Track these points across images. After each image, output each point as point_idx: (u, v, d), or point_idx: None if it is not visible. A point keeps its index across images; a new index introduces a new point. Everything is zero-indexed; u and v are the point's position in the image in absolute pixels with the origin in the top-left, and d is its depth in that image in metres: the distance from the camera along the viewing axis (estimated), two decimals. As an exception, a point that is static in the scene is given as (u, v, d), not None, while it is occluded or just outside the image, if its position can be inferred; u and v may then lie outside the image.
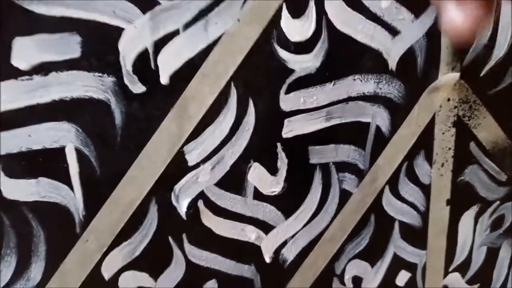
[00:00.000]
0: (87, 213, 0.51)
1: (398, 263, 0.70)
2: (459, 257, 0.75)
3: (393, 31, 0.58)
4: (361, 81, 0.59)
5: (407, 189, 0.67)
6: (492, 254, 0.78)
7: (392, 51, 0.59)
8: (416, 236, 0.70)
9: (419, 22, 0.59)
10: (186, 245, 0.57)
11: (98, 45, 0.47)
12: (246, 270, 0.61)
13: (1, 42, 0.44)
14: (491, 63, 0.65)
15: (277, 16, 0.53)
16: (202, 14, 0.50)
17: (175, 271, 0.57)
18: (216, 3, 0.50)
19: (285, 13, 0.53)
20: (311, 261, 0.64)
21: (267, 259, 0.62)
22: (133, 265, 0.55)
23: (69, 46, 0.46)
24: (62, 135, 0.48)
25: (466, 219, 0.73)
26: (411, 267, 0.72)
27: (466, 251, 0.76)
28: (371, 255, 0.68)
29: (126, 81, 0.49)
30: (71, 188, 0.50)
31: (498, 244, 0.78)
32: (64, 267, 0.51)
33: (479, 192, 0.72)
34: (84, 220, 0.51)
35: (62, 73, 0.46)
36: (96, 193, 0.51)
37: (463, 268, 0.76)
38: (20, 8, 0.43)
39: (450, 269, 0.75)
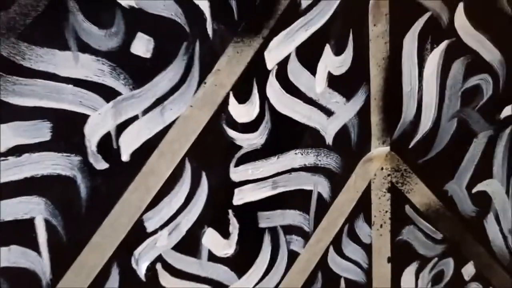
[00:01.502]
0: (54, 277, 0.54)
1: None
2: None
3: (328, 112, 0.66)
4: (302, 154, 0.66)
5: (350, 248, 0.72)
6: None
7: (328, 129, 0.66)
8: None
9: (350, 104, 0.67)
10: None
11: (66, 130, 0.53)
12: None
13: (-20, 129, 0.49)
14: (418, 137, 0.73)
15: (225, 101, 0.60)
16: (159, 101, 0.56)
17: (136, 330, 0.60)
18: (171, 92, 0.57)
19: (232, 99, 0.60)
20: None
21: None
22: None
23: (41, 131, 0.51)
24: (32, 208, 0.53)
25: (408, 275, 0.79)
26: (359, 321, 0.77)
27: None
28: None
29: (90, 160, 0.54)
30: (39, 254, 0.53)
31: None
32: None
33: (417, 250, 0.78)
34: (50, 284, 0.54)
35: (34, 154, 0.52)
36: (63, 258, 0.55)
37: None
38: (-3, 99, 0.49)
39: (397, 322, 0.80)
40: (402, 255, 0.77)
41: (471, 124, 0.76)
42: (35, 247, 0.54)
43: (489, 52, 0.74)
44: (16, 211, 0.52)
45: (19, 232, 0.53)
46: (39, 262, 0.54)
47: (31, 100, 0.50)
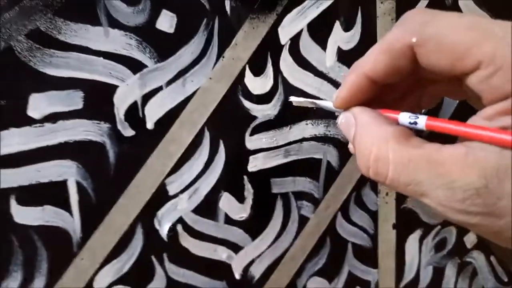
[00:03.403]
0: (83, 235, 0.58)
1: (353, 280, 0.79)
2: (408, 276, 0.84)
3: (337, 85, 0.69)
4: (313, 125, 0.69)
5: (357, 215, 0.76)
6: (438, 274, 0.87)
7: (338, 101, 0.69)
8: (368, 256, 0.79)
9: (359, 78, 0.70)
10: (167, 263, 0.64)
11: (97, 99, 0.56)
12: (218, 286, 0.68)
13: (19, 97, 0.53)
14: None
15: (241, 74, 0.63)
16: (181, 74, 0.60)
17: (157, 286, 0.64)
18: (192, 65, 0.60)
19: (248, 72, 0.63)
20: (276, 277, 0.72)
21: (237, 276, 0.69)
22: (122, 280, 0.62)
23: (74, 100, 0.55)
24: (65, 171, 0.56)
25: (412, 242, 0.82)
26: (365, 284, 0.80)
27: (414, 270, 0.84)
28: (328, 272, 0.76)
29: (119, 127, 0.58)
30: (71, 214, 0.57)
31: (443, 264, 0.87)
32: (62, 282, 0.58)
33: (421, 218, 0.81)
34: (80, 241, 0.58)
35: (68, 121, 0.55)
36: (92, 218, 0.59)
37: (412, 286, 0.84)
38: (35, 71, 0.53)
39: (401, 286, 0.83)
40: (406, 222, 0.80)
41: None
42: (67, 207, 0.57)
43: (493, 30, 0.75)
44: (50, 173, 0.56)
45: (52, 193, 0.56)
46: (71, 221, 0.58)
47: (66, 72, 0.54)
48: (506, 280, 0.92)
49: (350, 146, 0.38)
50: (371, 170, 0.33)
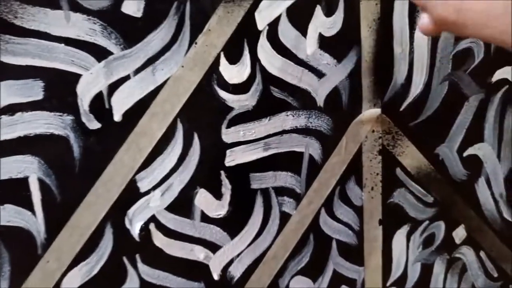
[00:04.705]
0: (48, 236, 0.55)
1: (339, 279, 0.77)
2: (395, 273, 0.82)
3: (319, 74, 0.66)
4: (293, 116, 0.66)
5: (342, 210, 0.74)
6: (426, 270, 0.85)
7: (319, 91, 0.67)
8: (353, 253, 0.77)
9: (341, 66, 0.67)
10: (140, 264, 0.61)
11: (59, 89, 0.53)
12: (196, 287, 0.66)
13: (-28, 87, 0.49)
14: (409, 99, 0.73)
15: (216, 62, 0.60)
16: (150, 61, 0.57)
17: (130, 288, 0.62)
18: (162, 52, 0.57)
19: (223, 60, 0.60)
20: (257, 278, 0.70)
21: (216, 277, 0.67)
22: (91, 283, 0.59)
23: (33, 90, 0.52)
24: (26, 167, 0.53)
25: (399, 238, 0.80)
26: (351, 282, 0.78)
27: (401, 267, 0.82)
28: (312, 271, 0.74)
29: (83, 119, 0.55)
30: (34, 213, 0.54)
31: (431, 260, 0.85)
32: (26, 286, 0.55)
33: (408, 213, 0.79)
34: (45, 243, 0.56)
35: (27, 113, 0.52)
36: (57, 218, 0.56)
37: (400, 284, 0.83)
38: (-11, 58, 0.49)
39: (388, 284, 0.82)
40: (393, 218, 0.78)
41: (462, 87, 0.76)
42: (29, 206, 0.54)
43: (482, 15, 0.73)
44: (10, 170, 0.53)
45: (13, 191, 0.53)
46: (34, 221, 0.55)
47: (24, 59, 0.51)
48: (496, 276, 0.90)
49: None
50: None
